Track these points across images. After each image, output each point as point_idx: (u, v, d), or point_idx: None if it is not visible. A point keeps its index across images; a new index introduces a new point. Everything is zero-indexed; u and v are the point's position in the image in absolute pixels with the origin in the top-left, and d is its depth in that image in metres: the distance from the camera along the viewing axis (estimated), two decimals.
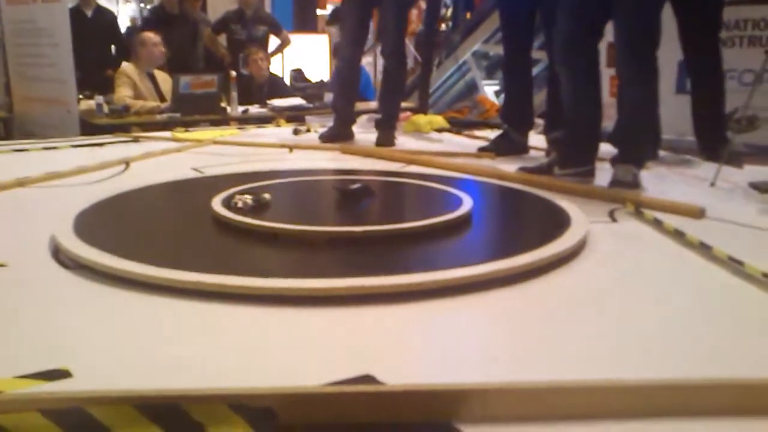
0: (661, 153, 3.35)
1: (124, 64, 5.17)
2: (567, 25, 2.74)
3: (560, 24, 2.77)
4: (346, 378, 1.12)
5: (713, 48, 3.34)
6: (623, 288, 1.67)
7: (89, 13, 6.17)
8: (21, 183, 2.64)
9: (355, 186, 2.23)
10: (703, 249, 1.86)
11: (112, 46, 6.43)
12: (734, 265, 1.73)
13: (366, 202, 2.21)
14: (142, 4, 11.89)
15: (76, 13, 5.80)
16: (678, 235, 2.01)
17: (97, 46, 5.95)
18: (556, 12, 3.01)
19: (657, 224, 2.14)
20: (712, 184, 2.73)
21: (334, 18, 8.33)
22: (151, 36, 5.19)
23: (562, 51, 2.79)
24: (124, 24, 8.62)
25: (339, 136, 3.92)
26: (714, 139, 3.29)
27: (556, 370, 1.18)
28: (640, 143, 2.78)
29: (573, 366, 1.21)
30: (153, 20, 6.35)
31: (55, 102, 5.11)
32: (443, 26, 9.27)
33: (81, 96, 5.16)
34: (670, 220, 2.14)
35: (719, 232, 2.06)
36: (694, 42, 3.26)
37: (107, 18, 6.48)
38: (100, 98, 4.83)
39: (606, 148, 2.85)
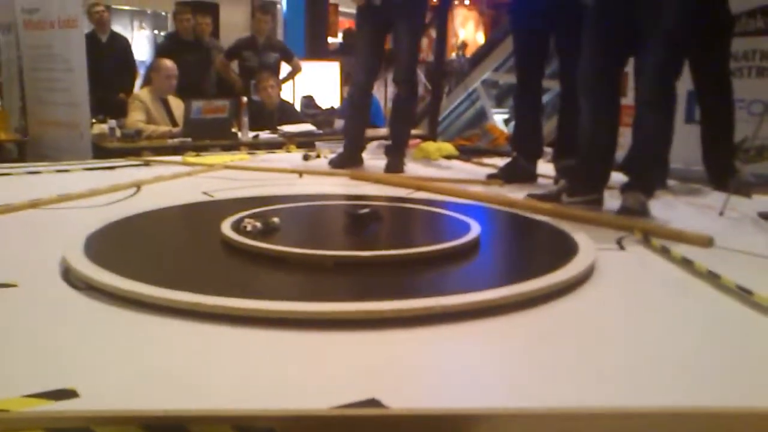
0: (670, 182, 3.35)
1: (138, 89, 5.22)
2: (593, 56, 2.77)
3: (586, 55, 2.79)
4: (352, 402, 1.12)
5: (723, 79, 3.36)
6: (630, 316, 1.66)
7: (104, 38, 6.26)
8: (33, 204, 2.66)
9: (364, 211, 2.24)
10: (711, 278, 1.86)
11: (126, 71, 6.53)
12: (742, 294, 1.72)
13: (374, 226, 2.22)
14: (156, 31, 12.06)
15: (91, 39, 5.89)
16: (686, 264, 2.00)
17: (110, 71, 6.02)
18: (570, 40, 3.04)
19: (665, 252, 2.14)
20: (721, 214, 2.73)
21: (343, 49, 8.41)
22: (167, 65, 5.23)
23: (586, 82, 2.81)
24: (137, 50, 8.74)
25: (349, 161, 3.94)
26: (723, 168, 3.30)
27: (562, 397, 1.18)
28: (651, 171, 2.79)
29: (579, 393, 1.21)
30: (167, 46, 6.44)
31: (69, 126, 5.17)
32: (453, 55, 9.34)
33: (94, 120, 5.21)
34: (678, 249, 2.13)
35: (727, 261, 2.06)
36: (704, 73, 3.28)
37: (121, 44, 6.56)
38: (112, 122, 4.87)
39: (615, 177, 2.85)
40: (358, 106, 4.09)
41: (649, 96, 2.67)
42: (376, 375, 1.27)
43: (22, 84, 5.70)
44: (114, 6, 10.40)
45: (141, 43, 11.69)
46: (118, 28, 8.40)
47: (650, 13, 2.58)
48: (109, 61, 6.07)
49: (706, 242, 2.24)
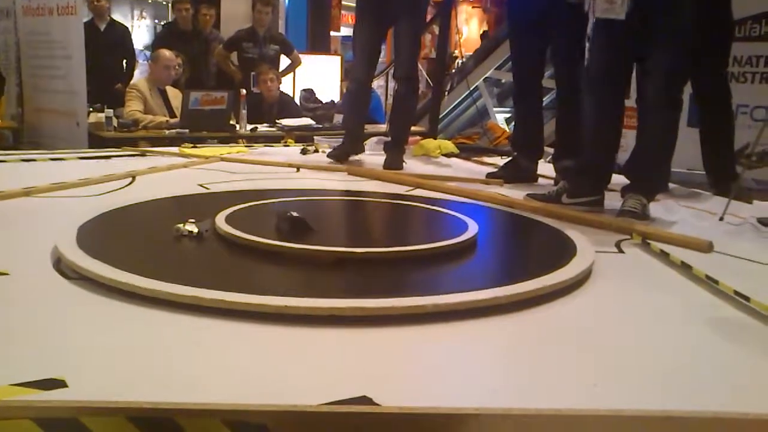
0: (671, 185, 3.34)
1: (136, 79, 5.19)
2: (599, 57, 2.74)
3: (592, 56, 2.77)
4: (343, 398, 1.10)
5: (721, 83, 3.34)
6: (627, 319, 1.65)
7: (102, 26, 6.22)
8: (27, 192, 2.64)
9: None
10: (710, 283, 1.84)
11: (124, 60, 6.49)
12: (740, 299, 1.71)
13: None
14: (156, 21, 12.02)
15: (89, 27, 5.85)
16: (684, 268, 1.99)
17: (108, 60, 5.98)
18: (565, 44, 3.02)
19: (664, 256, 2.12)
20: (721, 219, 2.71)
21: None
22: (165, 55, 5.19)
23: (591, 82, 2.79)
24: (138, 39, 8.71)
25: (349, 151, 3.92)
26: (724, 173, 3.28)
27: (554, 399, 1.16)
28: (653, 174, 2.77)
29: (572, 395, 1.19)
30: (166, 36, 6.41)
31: (65, 114, 5.14)
32: (455, 51, 9.32)
33: (91, 109, 5.18)
34: (678, 253, 2.12)
35: (726, 267, 2.05)
36: (703, 77, 3.27)
37: (120, 32, 6.52)
38: (109, 111, 4.84)
39: (616, 179, 2.84)
40: (357, 99, 4.06)
41: (657, 99, 2.65)
42: (368, 372, 1.25)
43: (19, 70, 5.67)
44: None
45: (141, 33, 11.67)
46: (118, 16, 8.37)
47: (663, 15, 2.56)
48: (107, 50, 6.03)
49: (706, 247, 2.23)
